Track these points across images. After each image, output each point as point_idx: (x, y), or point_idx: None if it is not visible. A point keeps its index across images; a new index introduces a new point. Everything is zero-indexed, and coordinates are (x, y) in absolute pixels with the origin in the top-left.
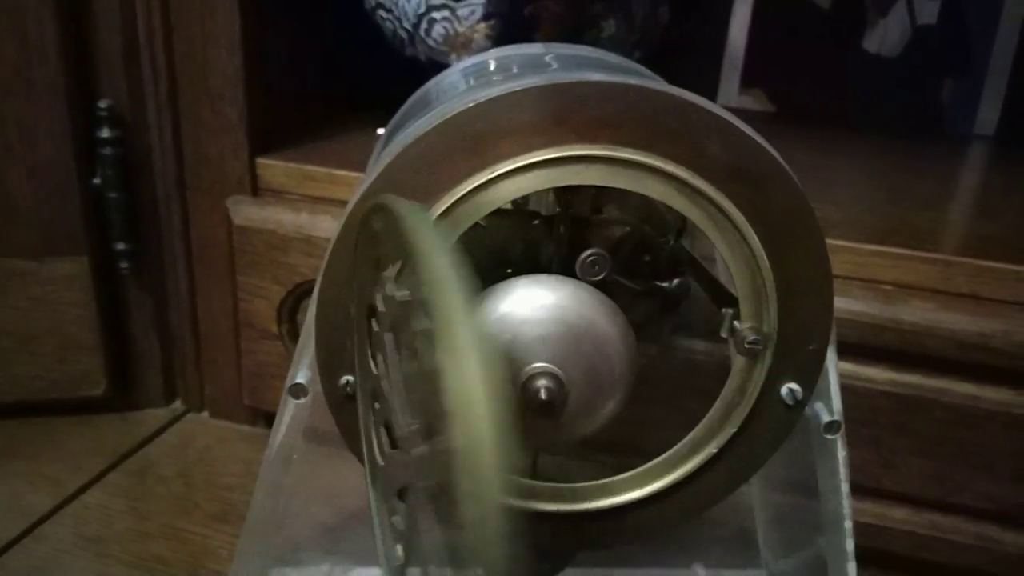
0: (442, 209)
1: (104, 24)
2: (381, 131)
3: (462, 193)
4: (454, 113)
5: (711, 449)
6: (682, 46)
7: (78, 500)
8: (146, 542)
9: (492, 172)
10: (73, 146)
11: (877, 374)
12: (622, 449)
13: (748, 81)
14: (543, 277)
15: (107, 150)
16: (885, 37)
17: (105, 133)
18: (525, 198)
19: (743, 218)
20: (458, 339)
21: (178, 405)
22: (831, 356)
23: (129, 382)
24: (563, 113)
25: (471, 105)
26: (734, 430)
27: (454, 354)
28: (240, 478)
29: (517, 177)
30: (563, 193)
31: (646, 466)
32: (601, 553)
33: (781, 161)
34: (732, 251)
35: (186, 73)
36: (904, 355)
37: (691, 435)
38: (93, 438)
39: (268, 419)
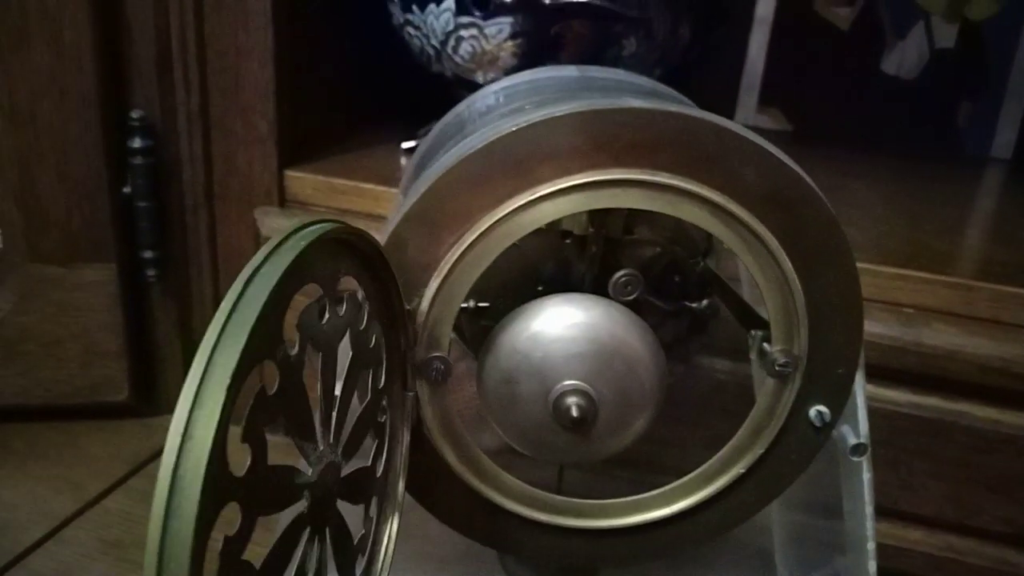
0: (482, 229)
1: (138, 35)
2: (406, 145)
3: (502, 214)
4: (496, 137)
5: (739, 469)
6: (702, 64)
7: (100, 505)
8: None
9: (532, 195)
10: (104, 155)
11: (898, 396)
12: (645, 467)
13: (766, 100)
14: (575, 296)
15: (138, 160)
16: (903, 59)
17: (137, 143)
18: (559, 218)
19: (776, 242)
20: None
21: None
22: (859, 379)
23: (151, 388)
24: (602, 138)
25: (514, 129)
26: (762, 451)
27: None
28: None
29: (556, 199)
30: (596, 213)
31: (675, 484)
32: (620, 570)
33: (814, 186)
34: (765, 274)
35: (218, 85)
36: (925, 378)
37: (720, 454)
38: (115, 443)
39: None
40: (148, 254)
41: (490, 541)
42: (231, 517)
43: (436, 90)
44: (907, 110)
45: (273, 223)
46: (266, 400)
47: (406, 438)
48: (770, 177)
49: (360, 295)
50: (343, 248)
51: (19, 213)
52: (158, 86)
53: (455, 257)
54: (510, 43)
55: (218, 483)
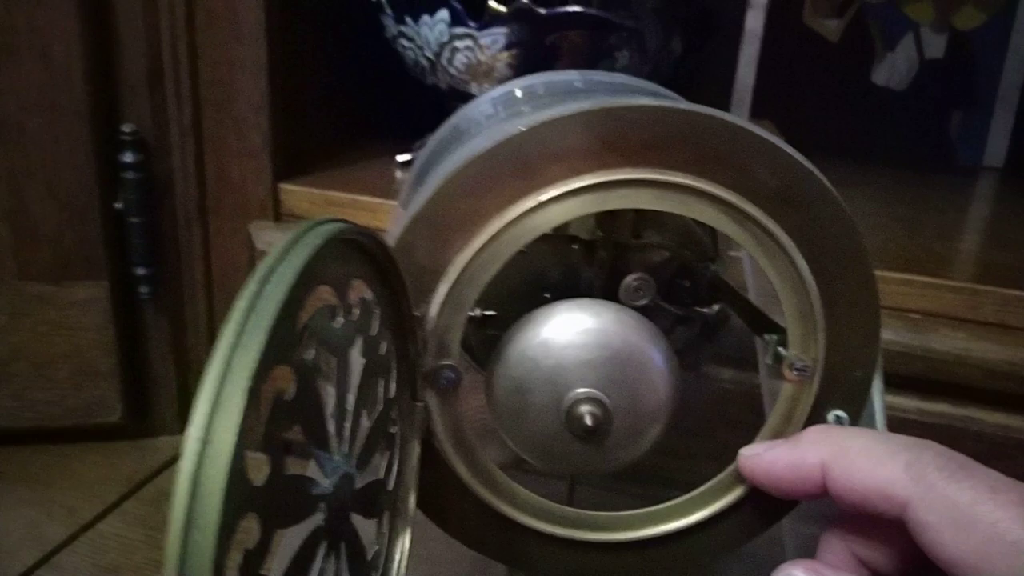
0: (492, 232)
1: (129, 48)
2: (401, 159)
3: (511, 218)
4: (505, 138)
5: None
6: (693, 77)
7: (94, 529)
8: None
9: (541, 196)
10: (96, 170)
11: (906, 403)
12: (650, 481)
13: (757, 112)
14: (586, 301)
15: (130, 175)
16: (893, 70)
17: (128, 157)
18: (565, 223)
19: (791, 242)
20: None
21: None
22: (877, 382)
23: (145, 409)
24: (611, 137)
25: (523, 130)
26: None
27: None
28: None
29: (565, 202)
30: (605, 218)
31: (692, 494)
32: None
33: (828, 184)
34: (780, 275)
35: (210, 98)
36: (933, 384)
37: (736, 463)
38: (108, 466)
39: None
40: (141, 271)
41: (503, 557)
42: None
43: (430, 103)
44: (898, 121)
45: (268, 238)
46: (284, 406)
47: (416, 450)
48: (783, 175)
49: (371, 299)
50: (353, 249)
51: (8, 230)
52: (150, 99)
53: (464, 261)
54: (505, 54)
55: (239, 492)
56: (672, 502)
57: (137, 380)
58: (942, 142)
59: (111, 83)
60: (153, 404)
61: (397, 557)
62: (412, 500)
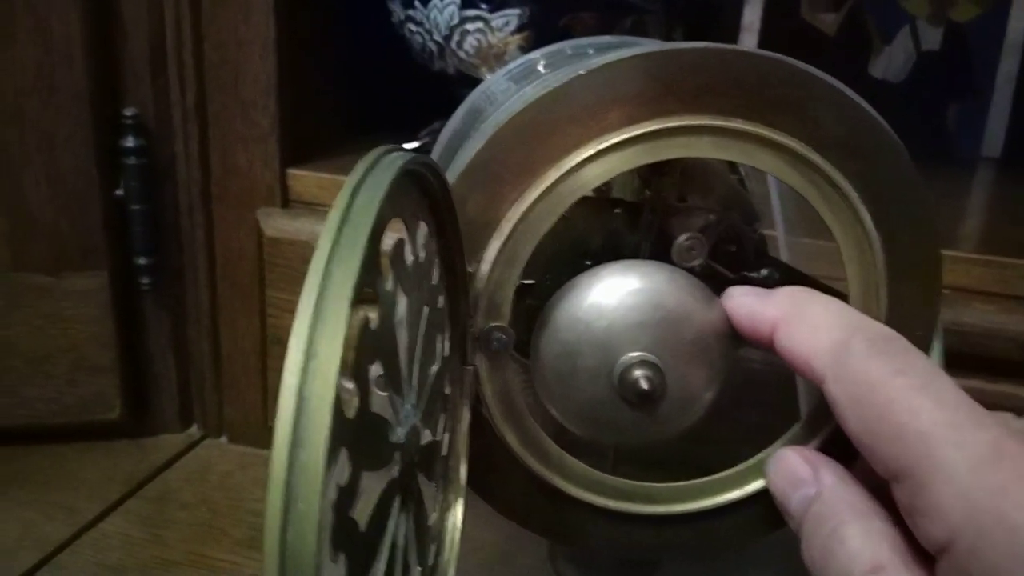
0: (548, 183)
1: (131, 28)
2: (408, 146)
3: (569, 167)
4: (561, 83)
5: (815, 443)
6: None
7: (96, 528)
8: (173, 571)
9: (600, 144)
10: (96, 155)
11: None
12: (674, 463)
13: None
14: (636, 262)
15: (131, 160)
16: (890, 63)
17: (130, 142)
18: (607, 184)
19: (855, 193)
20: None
21: (194, 430)
22: (937, 346)
23: (145, 406)
24: (671, 82)
25: (581, 73)
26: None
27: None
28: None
29: (623, 150)
30: (651, 177)
31: (747, 463)
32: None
33: (894, 136)
34: (844, 229)
35: (216, 80)
36: (966, 359)
37: (792, 430)
38: (106, 465)
39: None
40: (142, 261)
41: (550, 531)
42: None
43: (437, 90)
44: (896, 113)
45: (276, 224)
46: (370, 336)
47: (466, 417)
48: (849, 123)
49: (433, 244)
50: (415, 185)
51: (3, 218)
52: (152, 82)
53: (518, 215)
54: (517, 36)
55: (337, 419)
56: (727, 472)
57: (137, 376)
58: (940, 133)
59: (112, 64)
60: (153, 401)
61: (450, 529)
62: (463, 470)
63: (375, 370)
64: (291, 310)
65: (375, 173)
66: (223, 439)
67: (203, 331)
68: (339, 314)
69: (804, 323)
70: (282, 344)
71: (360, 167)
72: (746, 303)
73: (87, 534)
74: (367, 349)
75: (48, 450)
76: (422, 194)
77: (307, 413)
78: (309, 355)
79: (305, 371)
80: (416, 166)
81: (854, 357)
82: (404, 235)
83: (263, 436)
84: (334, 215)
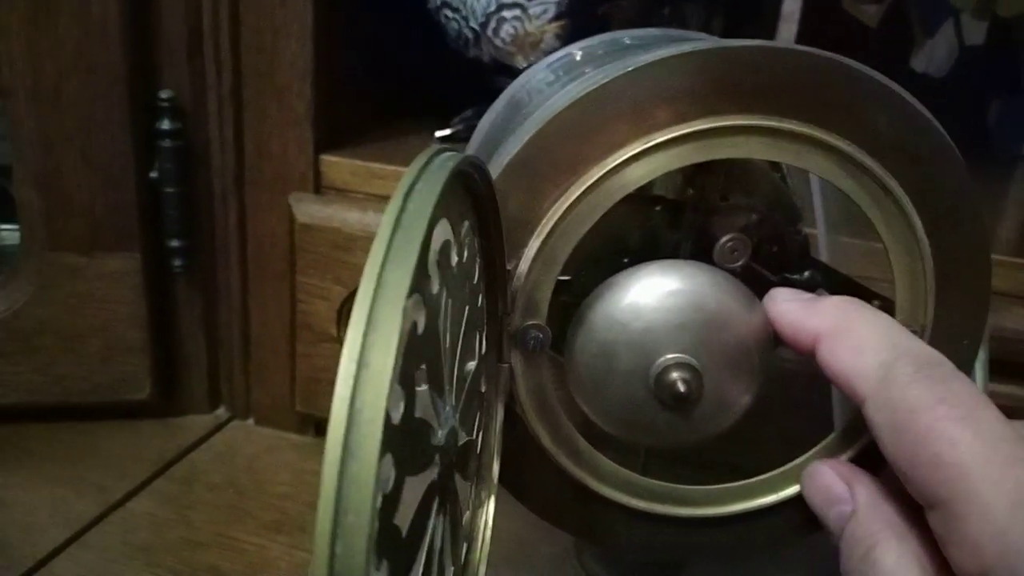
0: (591, 181)
1: (168, 10)
2: (439, 134)
3: (614, 164)
4: (609, 79)
5: (851, 453)
6: None
7: (124, 507)
8: (199, 551)
9: (646, 142)
10: (132, 137)
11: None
12: (707, 467)
13: None
14: (676, 262)
15: (166, 143)
16: (932, 57)
17: (166, 125)
18: (649, 182)
19: (907, 199)
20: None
21: (222, 412)
22: (982, 355)
23: (174, 387)
24: (724, 80)
25: (629, 70)
26: None
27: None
28: (293, 487)
29: (672, 149)
30: (694, 176)
31: (782, 469)
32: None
33: (949, 140)
34: (894, 234)
35: (252, 65)
36: (1006, 365)
37: (824, 442)
38: (136, 444)
39: (319, 427)
40: (175, 243)
41: (581, 531)
42: None
43: (471, 77)
44: (936, 108)
45: (308, 210)
46: (416, 340)
47: (500, 414)
48: (903, 127)
49: (475, 243)
50: (462, 185)
51: (39, 198)
52: (188, 65)
53: (559, 213)
54: (554, 24)
55: (387, 427)
56: (762, 476)
57: (167, 357)
58: (981, 130)
59: (149, 47)
60: (182, 382)
61: (481, 527)
62: (496, 467)
63: (419, 375)
64: (321, 296)
65: (427, 176)
66: (250, 421)
67: (233, 314)
68: (392, 323)
69: (849, 340)
70: (311, 329)
71: (413, 169)
72: (790, 311)
73: (115, 512)
74: (414, 354)
75: (79, 427)
76: (467, 192)
77: (359, 424)
78: (361, 364)
79: (357, 380)
80: (466, 167)
81: (897, 382)
82: (450, 236)
83: (290, 419)
84: (387, 219)
